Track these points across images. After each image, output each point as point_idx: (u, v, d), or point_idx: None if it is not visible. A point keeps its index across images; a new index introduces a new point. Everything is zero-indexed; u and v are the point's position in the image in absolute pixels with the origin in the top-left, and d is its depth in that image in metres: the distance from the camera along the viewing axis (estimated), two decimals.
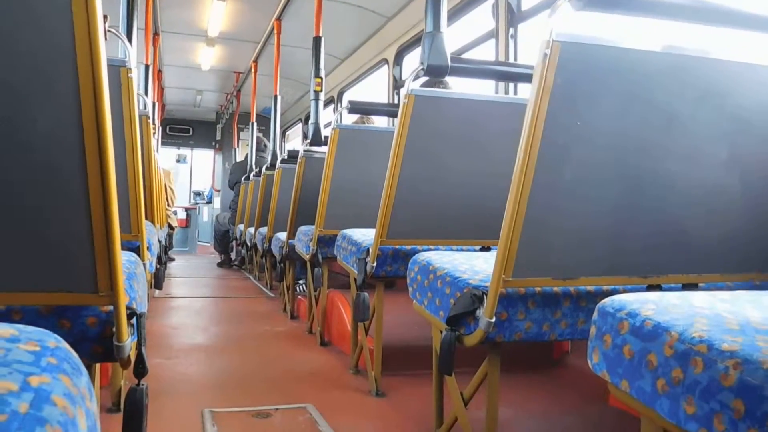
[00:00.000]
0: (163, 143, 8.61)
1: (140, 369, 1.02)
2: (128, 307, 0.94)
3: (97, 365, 1.29)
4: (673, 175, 1.17)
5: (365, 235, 2.03)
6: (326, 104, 5.98)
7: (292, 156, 3.58)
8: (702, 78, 1.13)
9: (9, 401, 0.36)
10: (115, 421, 1.51)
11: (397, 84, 4.54)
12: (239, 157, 8.14)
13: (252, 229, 4.77)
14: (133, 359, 0.99)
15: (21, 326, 0.47)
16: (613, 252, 1.19)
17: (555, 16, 1.02)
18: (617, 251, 1.20)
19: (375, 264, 1.85)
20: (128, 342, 0.93)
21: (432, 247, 1.86)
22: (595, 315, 0.86)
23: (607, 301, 0.86)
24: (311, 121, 3.64)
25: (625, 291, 1.22)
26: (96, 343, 0.93)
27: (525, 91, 2.81)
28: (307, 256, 2.71)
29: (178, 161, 9.92)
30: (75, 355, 0.48)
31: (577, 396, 1.91)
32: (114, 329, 0.91)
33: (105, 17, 0.82)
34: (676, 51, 1.11)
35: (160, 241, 2.40)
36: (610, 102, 1.11)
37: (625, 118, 1.12)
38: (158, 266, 2.31)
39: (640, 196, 1.17)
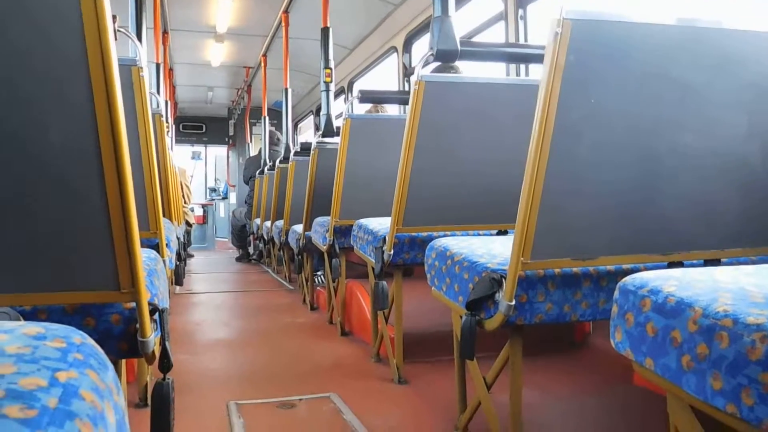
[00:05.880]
0: (177, 141, 8.68)
1: (165, 363, 1.03)
2: (150, 303, 0.96)
3: (123, 361, 1.31)
4: (690, 149, 1.15)
5: (381, 224, 2.03)
6: (337, 95, 5.97)
7: (305, 148, 3.59)
8: (717, 49, 1.11)
9: (38, 396, 0.37)
10: (143, 415, 1.54)
11: (407, 71, 4.52)
12: (252, 152, 8.17)
13: (268, 223, 4.79)
14: (157, 354, 1.00)
15: (47, 324, 0.48)
16: (632, 230, 1.18)
17: None
18: (636, 229, 1.18)
19: (392, 252, 1.85)
20: (152, 337, 0.94)
21: (448, 233, 1.86)
22: (616, 294, 0.86)
23: (628, 279, 0.85)
24: (322, 112, 3.64)
25: (646, 269, 1.20)
26: (121, 339, 0.95)
27: (536, 73, 2.77)
28: (324, 247, 2.72)
29: (193, 158, 9.99)
30: (100, 350, 0.48)
31: (601, 376, 1.90)
32: (137, 325, 0.92)
33: (114, 17, 0.82)
34: (689, 23, 1.08)
35: (178, 238, 2.42)
36: (624, 78, 1.09)
37: (640, 93, 1.10)
38: (178, 262, 2.33)
39: (658, 173, 1.15)
